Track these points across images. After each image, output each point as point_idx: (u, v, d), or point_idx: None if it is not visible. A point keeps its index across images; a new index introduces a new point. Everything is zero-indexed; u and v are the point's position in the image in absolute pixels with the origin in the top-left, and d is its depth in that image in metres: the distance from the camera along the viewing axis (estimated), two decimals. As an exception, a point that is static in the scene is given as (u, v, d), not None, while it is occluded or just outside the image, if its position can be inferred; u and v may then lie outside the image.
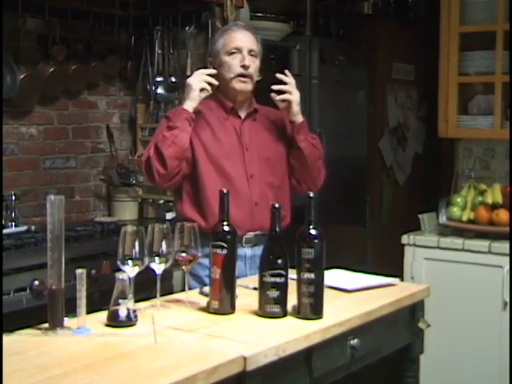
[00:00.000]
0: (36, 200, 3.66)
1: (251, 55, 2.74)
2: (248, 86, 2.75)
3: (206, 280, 2.40)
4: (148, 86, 4.02)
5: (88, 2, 3.75)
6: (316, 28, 4.43)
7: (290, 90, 2.72)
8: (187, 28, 3.88)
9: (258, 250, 2.41)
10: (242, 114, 2.81)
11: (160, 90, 4.01)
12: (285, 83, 2.73)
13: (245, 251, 2.74)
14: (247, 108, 2.82)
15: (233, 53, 2.73)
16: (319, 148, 2.85)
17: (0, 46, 3.30)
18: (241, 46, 2.73)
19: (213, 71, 2.71)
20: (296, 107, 2.74)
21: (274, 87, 2.73)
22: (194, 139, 2.71)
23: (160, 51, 3.97)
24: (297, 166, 2.83)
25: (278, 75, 2.73)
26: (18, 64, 3.44)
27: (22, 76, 3.45)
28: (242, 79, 2.73)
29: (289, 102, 2.73)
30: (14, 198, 3.43)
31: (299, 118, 2.78)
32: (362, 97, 4.63)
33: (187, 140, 2.65)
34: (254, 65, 2.75)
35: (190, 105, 2.66)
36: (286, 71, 2.76)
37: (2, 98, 3.34)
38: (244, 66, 2.72)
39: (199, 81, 2.66)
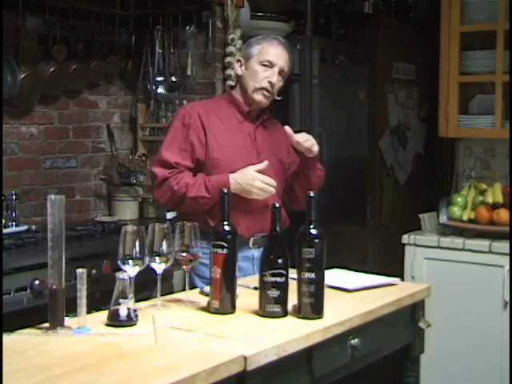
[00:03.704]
0: (36, 200, 3.67)
1: (280, 74, 2.78)
2: (266, 101, 2.80)
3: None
4: (148, 86, 4.02)
5: (88, 2, 3.76)
6: (316, 27, 4.42)
7: (312, 144, 2.74)
8: (188, 27, 3.88)
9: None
10: (256, 119, 2.84)
11: (160, 90, 4.01)
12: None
13: (252, 252, 2.78)
14: (260, 114, 2.85)
15: (265, 65, 2.75)
16: (322, 179, 2.92)
17: (0, 46, 3.30)
18: (275, 61, 2.76)
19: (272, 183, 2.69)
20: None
21: (306, 144, 2.72)
22: (211, 140, 2.73)
23: (160, 51, 3.97)
24: (299, 191, 2.85)
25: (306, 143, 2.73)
26: (19, 63, 3.44)
27: (23, 75, 3.45)
28: (264, 93, 2.76)
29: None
30: (14, 197, 3.43)
31: (315, 152, 2.79)
32: (362, 96, 4.63)
33: (209, 206, 2.68)
34: (278, 84, 2.80)
35: (234, 189, 2.62)
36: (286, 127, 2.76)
37: (2, 97, 3.34)
38: (271, 83, 2.75)
39: (258, 192, 2.66)
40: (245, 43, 3.00)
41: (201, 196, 2.66)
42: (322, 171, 2.91)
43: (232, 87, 2.79)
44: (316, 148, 2.76)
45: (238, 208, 2.61)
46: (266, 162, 2.70)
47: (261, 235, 2.75)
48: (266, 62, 2.75)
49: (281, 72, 2.78)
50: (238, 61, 2.84)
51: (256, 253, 2.77)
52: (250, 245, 2.78)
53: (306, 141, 2.72)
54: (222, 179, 2.66)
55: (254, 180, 2.66)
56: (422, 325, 2.47)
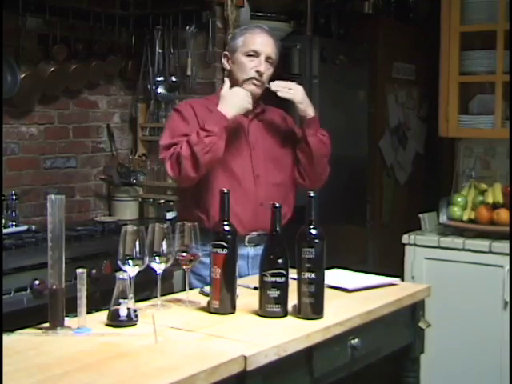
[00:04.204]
0: (36, 199, 3.67)
1: (267, 62, 2.75)
2: (258, 91, 2.77)
3: (209, 279, 2.40)
4: (148, 86, 4.02)
5: (88, 2, 3.77)
6: (316, 27, 4.42)
7: (287, 90, 2.74)
8: (188, 27, 3.89)
9: (261, 249, 2.41)
10: (249, 114, 2.82)
11: (160, 90, 4.01)
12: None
13: (247, 251, 2.76)
14: (254, 108, 2.83)
15: (251, 55, 2.73)
16: (327, 145, 2.85)
17: (0, 46, 3.30)
18: (260, 50, 2.74)
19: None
20: (300, 105, 2.75)
21: (273, 87, 2.74)
22: None
23: (160, 51, 3.97)
24: (303, 160, 2.83)
25: (273, 86, 2.75)
26: (19, 63, 3.44)
27: (23, 75, 3.45)
28: (255, 82, 2.74)
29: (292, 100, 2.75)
30: (14, 197, 3.43)
31: (309, 114, 2.78)
32: (362, 96, 4.63)
33: (223, 148, 2.60)
34: (267, 72, 2.76)
35: (232, 114, 2.62)
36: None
37: (2, 97, 3.34)
38: (259, 72, 2.73)
39: (248, 102, 2.66)
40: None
41: (205, 135, 2.56)
42: (325, 136, 2.83)
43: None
44: (292, 96, 2.74)
45: (233, 205, 2.61)
46: (226, 81, 2.72)
47: (257, 233, 2.74)
48: (251, 52, 2.73)
49: (268, 59, 2.75)
50: (225, 56, 2.82)
51: (251, 251, 2.75)
52: (246, 243, 2.75)
53: (278, 90, 2.72)
54: (215, 114, 2.62)
55: (236, 90, 2.66)
56: (422, 325, 2.47)
